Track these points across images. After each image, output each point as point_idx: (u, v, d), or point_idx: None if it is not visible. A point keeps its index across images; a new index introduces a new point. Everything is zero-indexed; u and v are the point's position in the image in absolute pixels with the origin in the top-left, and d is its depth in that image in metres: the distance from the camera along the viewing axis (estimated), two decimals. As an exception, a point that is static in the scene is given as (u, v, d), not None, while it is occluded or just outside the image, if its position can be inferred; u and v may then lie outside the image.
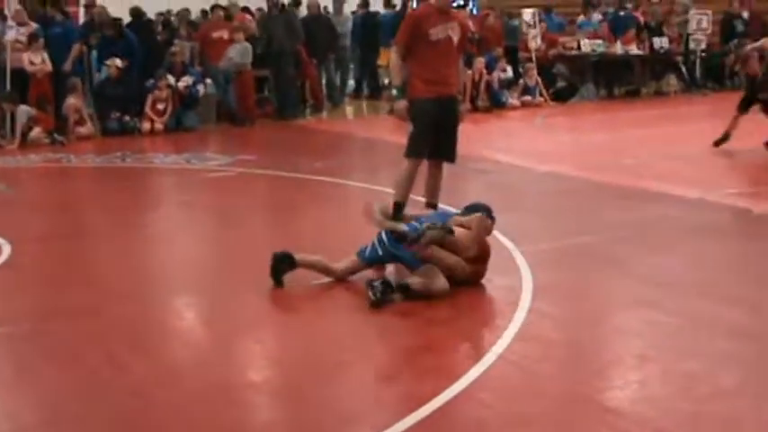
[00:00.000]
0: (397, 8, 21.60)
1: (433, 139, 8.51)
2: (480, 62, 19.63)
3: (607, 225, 9.17)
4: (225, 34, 18.30)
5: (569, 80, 21.89)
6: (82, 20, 20.61)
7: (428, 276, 6.85)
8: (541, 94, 20.77)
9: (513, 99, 20.14)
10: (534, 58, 21.26)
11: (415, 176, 8.54)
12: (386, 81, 21.41)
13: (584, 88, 21.59)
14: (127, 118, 16.49)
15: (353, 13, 22.51)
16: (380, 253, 7.12)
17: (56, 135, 15.44)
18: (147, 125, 16.58)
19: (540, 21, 22.16)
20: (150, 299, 7.14)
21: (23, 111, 15.42)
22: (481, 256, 7.17)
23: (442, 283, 6.84)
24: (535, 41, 21.54)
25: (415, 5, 18.91)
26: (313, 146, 15.40)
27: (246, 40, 18.03)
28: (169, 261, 8.53)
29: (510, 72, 21.13)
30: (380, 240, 7.15)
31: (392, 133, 14.10)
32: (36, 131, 15.38)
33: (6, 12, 17.64)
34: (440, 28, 8.39)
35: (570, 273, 7.64)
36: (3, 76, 16.35)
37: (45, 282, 7.77)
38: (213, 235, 9.58)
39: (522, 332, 6.11)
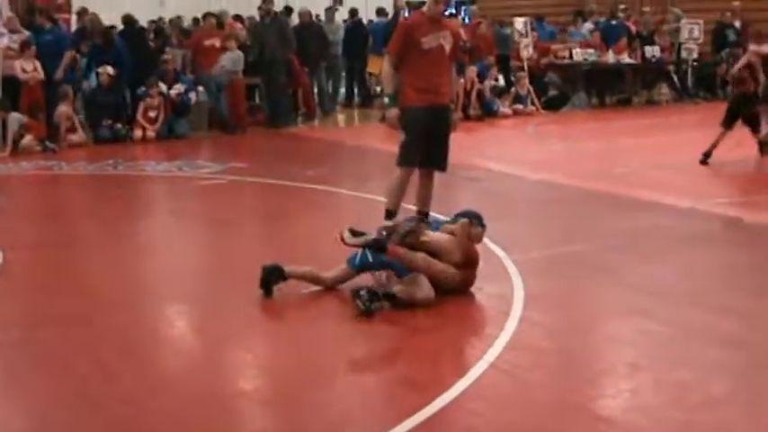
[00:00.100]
0: (389, 17, 21.60)
1: (425, 148, 8.52)
2: (472, 71, 19.65)
3: (598, 234, 9.18)
4: (217, 42, 18.28)
5: (561, 89, 21.94)
6: (74, 27, 20.67)
7: (413, 285, 6.85)
8: (533, 103, 20.80)
9: (504, 108, 20.15)
10: (526, 67, 21.29)
11: (406, 185, 8.55)
12: (377, 89, 21.44)
13: (576, 97, 21.62)
14: (118, 126, 16.46)
15: (345, 21, 22.53)
16: (370, 260, 7.12)
17: (47, 143, 15.40)
18: (138, 133, 16.54)
19: (532, 29, 22.20)
20: (141, 307, 7.12)
21: (15, 118, 15.38)
22: (468, 262, 7.17)
23: (426, 291, 6.83)
24: (527, 50, 21.57)
25: (407, 14, 18.89)
26: (304, 154, 15.39)
27: (238, 48, 18.03)
28: (160, 269, 8.50)
29: (502, 81, 21.17)
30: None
31: (384, 141, 14.12)
32: (28, 139, 15.34)
33: (-2, 20, 17.64)
34: (432, 37, 8.40)
35: (561, 281, 7.65)
36: (-6, 84, 16.33)
37: (36, 289, 7.74)
38: (204, 243, 9.57)
39: (513, 341, 6.11)
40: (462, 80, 18.20)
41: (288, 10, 20.68)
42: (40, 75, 16.18)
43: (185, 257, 8.90)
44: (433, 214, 8.58)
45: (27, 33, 16.71)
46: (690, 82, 22.95)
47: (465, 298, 7.05)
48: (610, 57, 22.10)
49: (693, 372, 5.57)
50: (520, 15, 22.72)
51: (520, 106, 20.40)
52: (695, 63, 22.90)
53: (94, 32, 17.76)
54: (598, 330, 6.61)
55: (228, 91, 17.95)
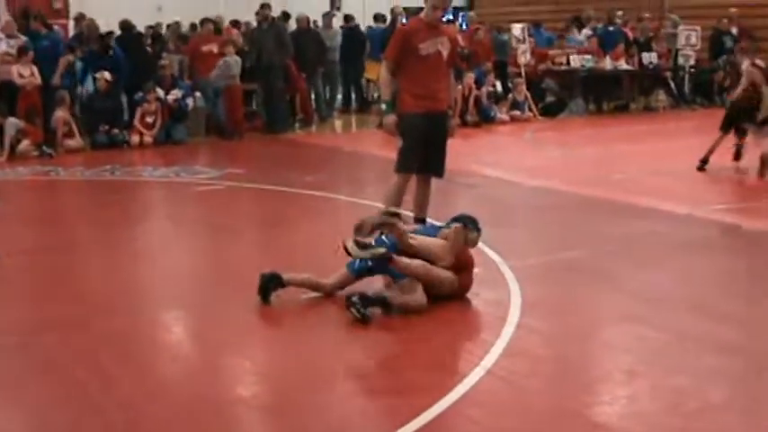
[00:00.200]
0: (387, 22, 21.61)
1: (422, 154, 8.54)
2: (470, 77, 19.66)
3: (596, 240, 9.18)
4: (214, 48, 18.30)
5: (558, 95, 21.96)
6: (72, 32, 20.69)
7: (406, 291, 6.84)
8: (530, 109, 20.81)
9: (501, 114, 20.17)
10: (523, 73, 21.30)
11: (404, 191, 8.57)
12: (375, 95, 21.46)
13: (573, 103, 21.63)
14: (116, 131, 16.45)
15: (342, 27, 22.55)
16: (370, 263, 7.11)
17: (44, 148, 15.41)
18: (135, 138, 16.55)
19: (530, 36, 22.22)
20: (139, 313, 7.11)
21: (12, 123, 15.39)
22: (462, 267, 7.18)
23: (419, 298, 6.83)
24: (524, 56, 21.58)
25: (404, 20, 18.91)
26: (302, 160, 15.40)
27: (235, 53, 18.05)
28: (158, 275, 8.49)
29: (499, 87, 21.19)
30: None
31: (381, 147, 14.13)
32: (24, 144, 15.35)
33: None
34: (429, 42, 8.42)
35: (558, 287, 7.65)
36: (-8, 89, 16.33)
37: (33, 295, 7.75)
38: (202, 249, 9.56)
39: (510, 347, 6.11)
40: (460, 86, 18.20)
41: (285, 15, 20.66)
42: (38, 80, 16.17)
43: (183, 263, 8.90)
44: (429, 220, 8.59)
45: (24, 39, 16.70)
46: (687, 88, 22.97)
47: (462, 304, 7.06)
48: (607, 63, 22.12)
49: (690, 378, 5.57)
50: (517, 21, 22.74)
51: (517, 112, 20.41)
52: (692, 69, 22.94)
53: (91, 38, 17.78)
54: (595, 337, 6.61)
55: (226, 96, 17.95)
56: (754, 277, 7.97)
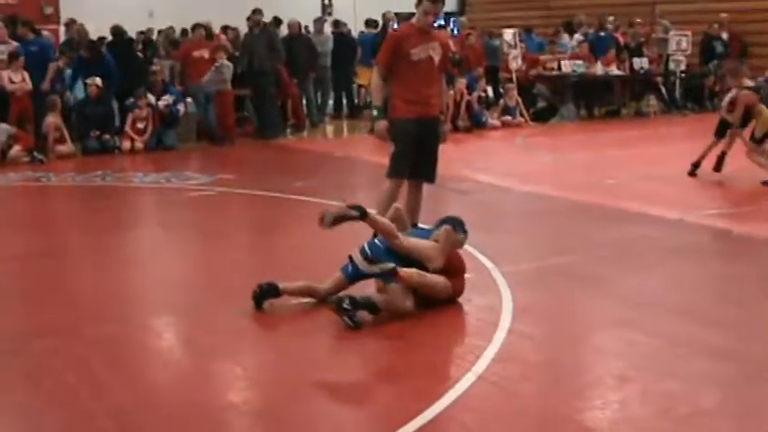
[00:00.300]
0: (378, 28, 21.62)
1: (414, 160, 8.54)
2: (462, 83, 19.67)
3: (587, 245, 9.19)
4: (205, 53, 18.28)
5: (550, 100, 21.99)
6: (63, 38, 20.67)
7: (394, 295, 6.84)
8: (522, 115, 20.82)
9: (493, 119, 20.19)
10: (515, 79, 21.32)
11: (396, 196, 8.57)
12: (367, 100, 21.46)
13: (565, 108, 21.66)
14: (107, 137, 16.43)
15: (333, 32, 22.55)
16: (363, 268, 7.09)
17: (35, 153, 15.39)
18: (127, 144, 16.55)
19: (521, 41, 22.24)
20: (130, 318, 7.10)
21: (3, 129, 15.40)
22: (454, 270, 7.20)
23: (406, 302, 6.82)
24: (516, 61, 21.61)
25: (396, 25, 18.92)
26: (293, 165, 15.39)
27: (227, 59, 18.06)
28: (149, 281, 8.48)
29: (490, 92, 21.21)
30: (363, 251, 7.13)
31: (372, 153, 14.15)
32: (15, 150, 15.34)
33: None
34: (421, 48, 8.43)
35: (550, 293, 7.65)
36: (-18, 95, 16.30)
37: (24, 301, 7.74)
38: (193, 254, 9.55)
39: (501, 352, 6.11)
40: (452, 92, 18.20)
41: (277, 21, 20.66)
42: (28, 86, 16.16)
43: (174, 269, 8.89)
44: (421, 226, 8.58)
45: (15, 44, 16.68)
46: (678, 93, 23.01)
47: (453, 309, 7.05)
48: (598, 68, 22.15)
49: (681, 383, 5.57)
50: (508, 27, 22.76)
51: (508, 118, 20.43)
52: (683, 75, 22.98)
53: (81, 43, 17.76)
54: (586, 342, 6.60)
55: (217, 102, 17.94)
56: (746, 282, 7.97)
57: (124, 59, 17.54)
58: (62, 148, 15.97)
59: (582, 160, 15.51)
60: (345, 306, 6.59)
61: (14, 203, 12.73)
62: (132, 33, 20.08)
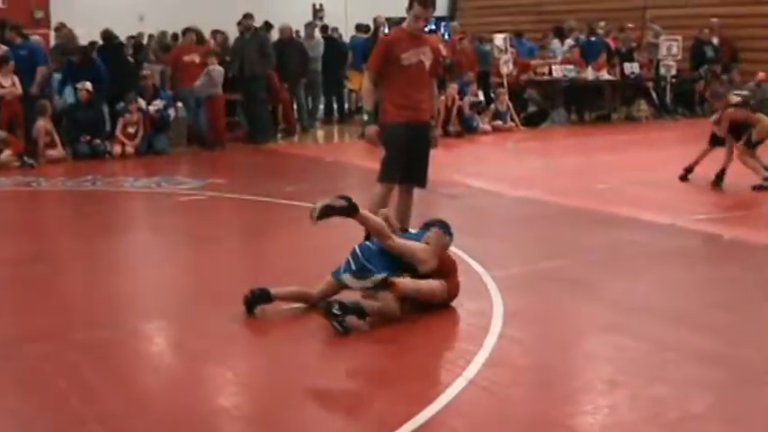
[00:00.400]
0: (369, 32, 21.63)
1: (405, 164, 8.54)
2: (453, 88, 19.68)
3: (578, 250, 9.19)
4: (196, 58, 18.25)
5: (540, 105, 22.03)
6: (53, 42, 20.63)
7: (382, 299, 6.83)
8: (512, 119, 20.84)
9: (484, 124, 20.20)
10: (506, 83, 21.33)
11: (387, 201, 8.57)
12: (358, 105, 21.47)
13: (556, 113, 21.70)
14: (97, 141, 16.41)
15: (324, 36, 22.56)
16: (354, 268, 7.08)
17: (26, 158, 15.37)
18: (117, 148, 16.52)
19: (511, 46, 22.26)
20: (121, 324, 7.08)
21: (-7, 134, 15.38)
22: (446, 271, 7.21)
23: (392, 305, 6.82)
24: (507, 66, 21.62)
25: (386, 30, 18.93)
26: (284, 170, 15.40)
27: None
28: (140, 286, 8.47)
29: (481, 97, 21.22)
30: (354, 254, 7.13)
31: (363, 158, 14.15)
32: (6, 154, 15.31)
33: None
34: (411, 52, 8.43)
35: (540, 297, 7.65)
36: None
37: (14, 305, 7.72)
38: (184, 259, 9.53)
39: (492, 357, 6.11)
40: (443, 97, 18.20)
41: (268, 25, 20.65)
42: (18, 90, 16.11)
43: (165, 274, 8.88)
44: (411, 230, 8.58)
45: (5, 48, 16.64)
46: (668, 98, 23.06)
47: (444, 314, 7.05)
48: (589, 73, 22.18)
49: (671, 388, 5.58)
50: (499, 32, 22.78)
51: (499, 122, 20.45)
52: (674, 79, 23.02)
53: (69, 48, 17.74)
54: (576, 347, 6.61)
55: (208, 107, 17.93)
56: (736, 287, 7.99)
57: (114, 64, 17.54)
58: (52, 153, 15.94)
59: (572, 165, 15.53)
60: (335, 311, 6.59)
61: (4, 208, 12.70)
62: (123, 37, 20.04)
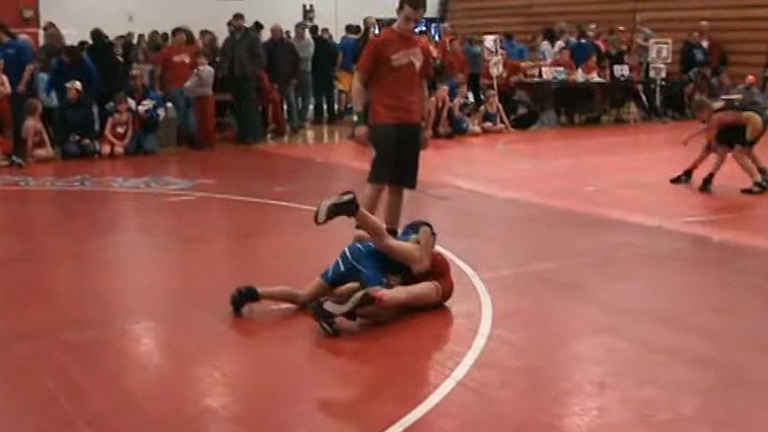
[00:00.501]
0: (360, 33, 21.63)
1: (394, 165, 8.53)
2: (444, 89, 19.69)
3: (567, 252, 9.19)
4: (186, 58, 18.21)
5: (530, 107, 22.03)
6: (42, 41, 20.57)
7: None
8: (502, 121, 20.83)
9: (474, 126, 20.20)
10: (495, 85, 21.33)
11: (377, 202, 8.56)
12: (348, 106, 21.46)
13: (545, 115, 21.71)
14: (86, 141, 16.36)
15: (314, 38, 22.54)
16: (342, 269, 7.07)
17: (14, 157, 15.32)
18: (106, 148, 16.49)
19: (501, 47, 22.27)
20: (109, 324, 7.05)
21: (-19, 133, 15.34)
22: (439, 271, 7.22)
23: (382, 312, 6.81)
24: (496, 68, 21.62)
25: (377, 31, 18.92)
26: (274, 170, 15.39)
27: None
28: (128, 286, 8.45)
29: (471, 98, 21.22)
30: (343, 256, 7.12)
31: (352, 158, 14.16)
32: (-6, 154, 15.30)
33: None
34: (402, 53, 8.43)
35: (530, 299, 7.64)
36: (-40, 99, 16.20)
37: (2, 305, 7.67)
38: (173, 260, 9.50)
39: (481, 359, 6.10)
40: (433, 98, 18.20)
41: (258, 26, 20.62)
42: (7, 89, 16.07)
43: (153, 274, 8.85)
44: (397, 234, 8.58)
45: (-7, 47, 16.60)
46: (658, 101, 23.07)
47: (433, 316, 7.04)
48: (579, 75, 22.20)
49: (661, 390, 5.57)
50: (489, 33, 22.79)
51: (489, 124, 20.45)
52: (663, 82, 23.04)
53: (55, 47, 17.68)
54: (566, 348, 6.60)
55: (197, 107, 17.90)
56: (725, 289, 8.00)
57: (104, 64, 17.50)
58: (41, 153, 15.90)
59: (562, 167, 15.53)
60: (325, 312, 6.57)
61: (-7, 207, 12.67)
62: (112, 37, 20.00)
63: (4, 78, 16.08)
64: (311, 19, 27.82)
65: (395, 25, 8.66)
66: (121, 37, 22.15)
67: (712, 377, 5.84)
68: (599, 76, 22.45)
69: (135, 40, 22.81)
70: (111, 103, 16.83)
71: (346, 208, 6.95)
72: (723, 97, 14.22)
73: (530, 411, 5.32)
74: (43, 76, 17.51)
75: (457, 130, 19.72)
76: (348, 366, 6.24)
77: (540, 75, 22.09)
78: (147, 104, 17.31)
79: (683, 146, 13.03)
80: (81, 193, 13.17)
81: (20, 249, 9.71)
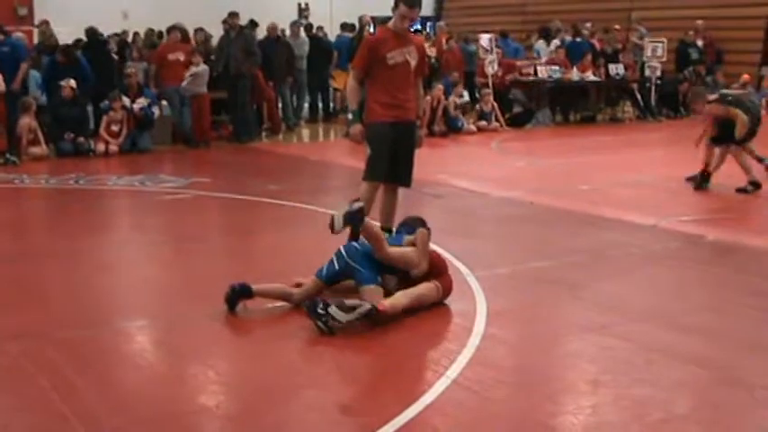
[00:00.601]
0: (355, 31, 21.61)
1: (390, 163, 8.53)
2: (439, 88, 19.69)
3: (562, 250, 9.18)
4: (181, 56, 18.18)
5: (525, 106, 22.03)
6: (36, 39, 20.55)
7: (368, 298, 6.81)
8: (497, 120, 20.82)
9: (469, 124, 20.20)
10: (491, 84, 21.33)
11: (372, 200, 8.56)
12: (344, 104, 21.46)
13: (541, 114, 21.71)
14: (81, 139, 16.34)
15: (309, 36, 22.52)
16: (337, 268, 7.08)
17: (8, 155, 15.30)
18: (101, 146, 16.47)
19: (497, 46, 22.27)
20: (103, 322, 7.04)
21: (-24, 131, 15.32)
22: (437, 271, 7.24)
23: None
24: (492, 66, 21.61)
25: (372, 29, 18.89)
26: (268, 169, 15.37)
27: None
28: (122, 284, 8.43)
29: (467, 97, 21.22)
30: (339, 254, 7.12)
31: (347, 156, 14.15)
32: (-12, 151, 15.28)
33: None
34: (397, 52, 8.43)
35: (525, 298, 7.65)
36: (-45, 97, 16.17)
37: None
38: (167, 258, 9.49)
39: (475, 357, 6.10)
40: (428, 96, 18.19)
41: (253, 24, 20.60)
42: (2, 87, 16.03)
43: (148, 272, 8.84)
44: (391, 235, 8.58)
45: (-15, 45, 16.56)
46: (653, 100, 23.08)
47: (428, 314, 7.03)
48: (574, 74, 22.20)
49: (655, 389, 5.58)
50: (485, 32, 22.78)
51: (484, 123, 20.44)
52: (658, 81, 23.05)
53: (46, 45, 17.65)
54: (560, 347, 6.60)
55: (193, 105, 17.87)
56: (719, 288, 8.01)
57: (98, 61, 17.47)
58: (35, 150, 15.87)
59: (557, 165, 15.53)
60: (319, 311, 6.57)
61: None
62: (107, 35, 19.96)
63: (-1, 76, 16.07)
64: (306, 17, 27.77)
65: (390, 24, 8.65)
66: (116, 35, 22.11)
67: (706, 376, 5.85)
68: (594, 74, 22.45)
69: (130, 38, 22.74)
70: (106, 102, 16.79)
71: (360, 216, 6.95)
72: (721, 91, 14.21)
73: (524, 410, 5.33)
74: (35, 74, 17.46)
75: (452, 129, 19.74)
76: (343, 365, 6.24)
77: (536, 73, 22.09)
78: (142, 102, 17.26)
79: (694, 147, 12.96)
80: (75, 192, 13.15)
81: (13, 247, 9.71)
